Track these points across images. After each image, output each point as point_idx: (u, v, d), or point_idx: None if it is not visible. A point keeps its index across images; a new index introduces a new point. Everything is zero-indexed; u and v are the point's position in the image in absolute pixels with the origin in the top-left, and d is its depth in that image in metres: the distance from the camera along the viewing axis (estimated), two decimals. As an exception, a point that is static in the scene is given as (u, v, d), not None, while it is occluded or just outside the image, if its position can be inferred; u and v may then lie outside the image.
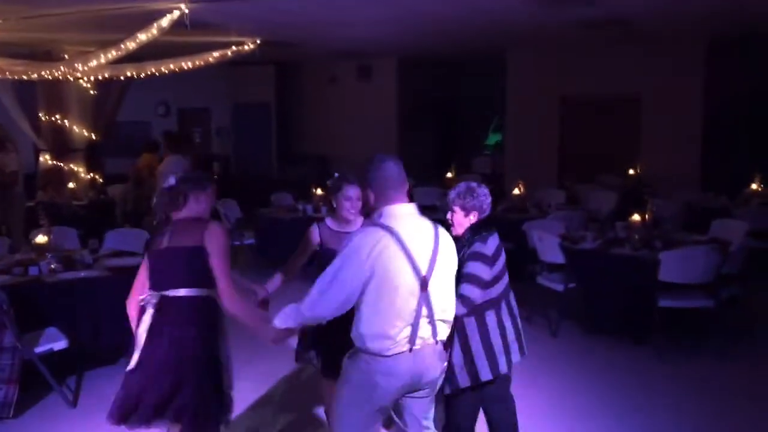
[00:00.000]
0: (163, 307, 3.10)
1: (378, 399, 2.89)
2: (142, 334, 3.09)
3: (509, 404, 3.78)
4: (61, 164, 10.60)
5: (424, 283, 2.84)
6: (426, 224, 2.94)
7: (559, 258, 6.31)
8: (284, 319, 2.95)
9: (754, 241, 6.55)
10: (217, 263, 3.11)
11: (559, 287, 6.32)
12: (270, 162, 14.81)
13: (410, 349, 2.84)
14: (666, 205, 8.11)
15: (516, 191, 9.02)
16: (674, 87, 11.13)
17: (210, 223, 3.21)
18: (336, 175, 3.89)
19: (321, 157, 14.17)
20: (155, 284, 3.15)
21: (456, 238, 3.30)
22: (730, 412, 4.68)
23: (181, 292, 3.11)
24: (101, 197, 10.34)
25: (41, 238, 5.87)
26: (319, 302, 2.84)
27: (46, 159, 10.72)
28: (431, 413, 3.14)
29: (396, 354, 2.83)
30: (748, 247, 6.09)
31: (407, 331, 2.82)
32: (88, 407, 4.78)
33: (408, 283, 2.81)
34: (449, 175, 10.68)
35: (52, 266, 5.39)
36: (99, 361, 5.38)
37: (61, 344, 4.78)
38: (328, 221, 3.93)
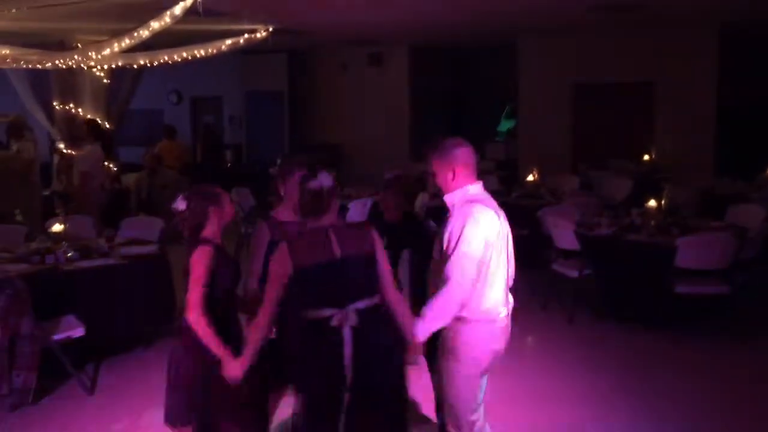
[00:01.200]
0: (358, 323, 2.87)
1: (487, 364, 3.10)
2: (349, 357, 2.84)
3: None
4: (75, 153, 10.63)
5: (507, 253, 3.14)
6: (492, 200, 3.16)
7: (573, 244, 6.28)
8: (423, 326, 2.98)
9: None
10: (388, 270, 3.02)
11: (574, 274, 6.29)
12: (282, 150, 14.79)
13: (507, 314, 3.13)
14: (681, 191, 8.03)
15: (530, 177, 8.98)
16: (688, 72, 10.99)
17: (372, 229, 3.02)
18: (279, 161, 3.49)
19: (333, 145, 14.15)
20: (333, 300, 2.88)
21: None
22: (748, 398, 4.66)
23: (370, 301, 2.94)
24: (116, 186, 10.38)
25: (57, 227, 5.91)
26: (457, 282, 2.91)
27: (60, 148, 10.77)
28: None
29: (501, 318, 3.09)
30: (765, 232, 6.04)
31: (503, 297, 3.11)
32: (105, 394, 4.82)
33: (502, 252, 3.09)
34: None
35: (69, 255, 5.43)
36: (116, 348, 5.43)
37: (78, 332, 4.81)
38: (279, 214, 3.51)
